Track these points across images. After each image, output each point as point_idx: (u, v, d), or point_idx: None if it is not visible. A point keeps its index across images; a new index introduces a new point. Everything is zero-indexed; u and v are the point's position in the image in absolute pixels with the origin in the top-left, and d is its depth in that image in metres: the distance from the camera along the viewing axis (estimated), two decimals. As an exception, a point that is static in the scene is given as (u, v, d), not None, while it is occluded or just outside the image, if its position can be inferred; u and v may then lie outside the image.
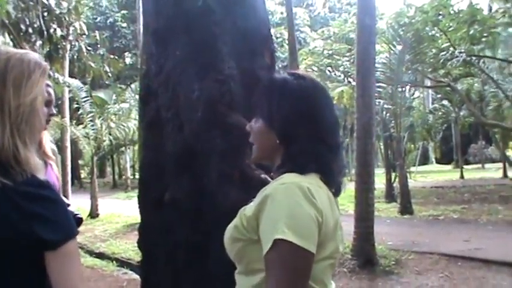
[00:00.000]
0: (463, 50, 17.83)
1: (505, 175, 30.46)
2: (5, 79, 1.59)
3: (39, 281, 1.58)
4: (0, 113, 1.57)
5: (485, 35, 19.48)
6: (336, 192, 1.84)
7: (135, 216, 16.73)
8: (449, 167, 46.75)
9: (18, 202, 1.50)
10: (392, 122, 18.66)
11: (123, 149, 35.17)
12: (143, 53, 11.94)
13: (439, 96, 36.32)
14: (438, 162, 53.98)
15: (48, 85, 1.89)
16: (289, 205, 1.58)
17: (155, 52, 3.22)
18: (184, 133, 3.01)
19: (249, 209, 1.71)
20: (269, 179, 2.77)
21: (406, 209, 16.59)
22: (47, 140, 2.67)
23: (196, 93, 2.96)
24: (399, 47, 17.35)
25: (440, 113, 31.97)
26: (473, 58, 17.93)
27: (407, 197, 16.93)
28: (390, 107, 18.30)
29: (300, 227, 1.55)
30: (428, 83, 24.68)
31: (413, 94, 25.68)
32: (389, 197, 19.94)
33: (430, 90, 34.97)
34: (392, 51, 17.67)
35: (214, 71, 3.00)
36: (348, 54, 24.04)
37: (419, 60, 18.34)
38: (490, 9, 29.58)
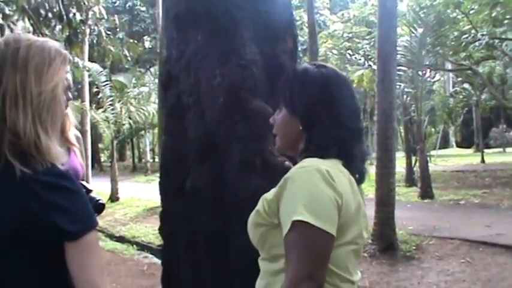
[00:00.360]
0: (485, 33, 17.56)
1: (527, 159, 30.09)
2: (26, 66, 1.58)
3: (57, 272, 1.56)
4: (22, 100, 1.55)
5: (508, 17, 19.18)
6: (360, 179, 1.84)
7: (155, 200, 16.86)
8: (469, 150, 46.22)
9: (37, 191, 1.48)
10: (413, 105, 18.49)
11: (142, 132, 35.36)
12: (163, 38, 11.90)
13: (459, 79, 35.95)
14: (458, 146, 53.45)
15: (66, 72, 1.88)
16: (307, 187, 1.60)
17: (176, 37, 3.18)
18: (206, 119, 2.97)
19: (270, 193, 1.73)
20: (292, 166, 2.74)
21: (426, 193, 16.45)
22: (71, 126, 2.67)
23: (218, 79, 2.92)
24: (420, 30, 17.10)
25: (461, 97, 31.64)
26: (496, 41, 17.62)
27: (427, 181, 16.78)
28: (411, 90, 18.12)
29: (319, 208, 1.57)
30: (449, 66, 24.39)
31: (433, 77, 25.38)
32: (410, 181, 19.79)
33: (450, 74, 34.63)
34: (413, 34, 17.41)
35: (236, 56, 2.95)
36: (367, 37, 23.81)
37: (441, 43, 18.08)
38: (513, -9, 29.05)
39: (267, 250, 1.77)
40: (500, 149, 42.35)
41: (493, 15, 18.75)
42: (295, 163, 1.84)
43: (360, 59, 23.77)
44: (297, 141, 1.85)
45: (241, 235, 2.81)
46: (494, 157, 34.15)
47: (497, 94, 22.83)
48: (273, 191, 1.72)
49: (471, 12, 18.70)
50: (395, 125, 11.39)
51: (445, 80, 39.39)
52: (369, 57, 22.41)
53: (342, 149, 1.75)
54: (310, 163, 1.68)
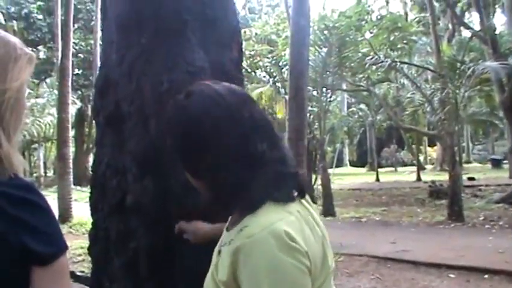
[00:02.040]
0: (381, 55, 18.30)
1: (419, 178, 31.51)
2: None
3: None
4: None
5: (404, 42, 20.13)
6: (300, 194, 1.63)
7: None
8: (363, 169, 47.91)
9: (2, 206, 1.22)
10: (316, 124, 18.86)
11: (36, 145, 33.95)
12: (66, 48, 11.44)
13: (353, 100, 37.30)
14: (352, 165, 55.20)
15: None
16: (268, 264, 1.33)
17: (116, 39, 2.89)
18: (150, 130, 2.71)
19: (222, 273, 1.44)
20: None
21: (328, 211, 16.75)
22: None
23: (165, 86, 2.67)
24: (325, 50, 17.52)
25: (356, 116, 32.90)
26: (398, 64, 18.30)
27: (330, 199, 17.10)
28: (315, 109, 18.49)
29: (287, 283, 1.33)
30: (344, 86, 25.23)
31: (330, 97, 26.29)
32: (310, 198, 20.05)
33: (345, 94, 35.82)
34: (317, 54, 17.80)
35: (185, 62, 2.73)
36: (269, 55, 24.22)
37: (343, 64, 18.61)
38: (406, 18, 30.73)
39: None
40: (392, 168, 44.23)
41: (391, 39, 19.59)
42: None
43: (264, 76, 24.08)
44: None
45: (187, 255, 2.59)
46: (387, 176, 35.65)
47: (393, 115, 23.73)
48: (223, 270, 1.43)
49: (370, 35, 19.43)
50: (305, 142, 11.47)
51: (341, 100, 40.72)
52: (273, 75, 22.76)
53: (253, 192, 1.47)
54: (259, 227, 1.38)
